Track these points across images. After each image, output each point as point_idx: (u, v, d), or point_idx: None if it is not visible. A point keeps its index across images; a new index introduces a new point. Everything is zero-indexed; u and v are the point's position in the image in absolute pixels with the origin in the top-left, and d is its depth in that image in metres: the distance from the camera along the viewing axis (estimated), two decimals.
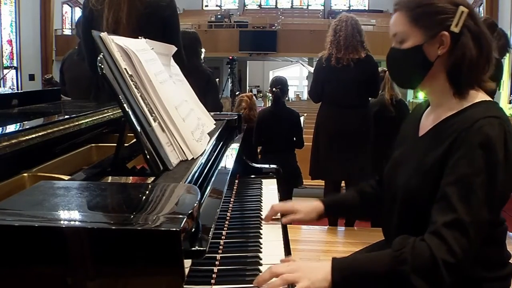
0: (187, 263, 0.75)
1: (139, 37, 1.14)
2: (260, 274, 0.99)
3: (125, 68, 0.96)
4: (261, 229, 1.28)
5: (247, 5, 19.71)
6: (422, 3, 1.10)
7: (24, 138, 0.96)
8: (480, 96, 1.10)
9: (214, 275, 0.99)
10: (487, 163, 0.98)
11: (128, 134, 1.11)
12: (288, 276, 0.97)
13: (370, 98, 3.27)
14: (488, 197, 0.98)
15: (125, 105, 0.93)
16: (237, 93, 9.11)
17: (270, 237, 1.23)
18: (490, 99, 1.11)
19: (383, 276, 1.00)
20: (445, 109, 1.12)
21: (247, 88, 17.76)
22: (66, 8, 14.91)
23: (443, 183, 1.01)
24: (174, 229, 0.64)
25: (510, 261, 1.15)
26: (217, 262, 1.04)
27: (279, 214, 1.34)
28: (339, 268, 1.01)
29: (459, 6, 1.07)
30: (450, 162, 1.02)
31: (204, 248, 0.76)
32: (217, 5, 19.47)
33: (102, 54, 0.93)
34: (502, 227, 1.12)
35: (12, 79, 12.49)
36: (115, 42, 0.97)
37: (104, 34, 0.95)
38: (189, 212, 0.69)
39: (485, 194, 0.98)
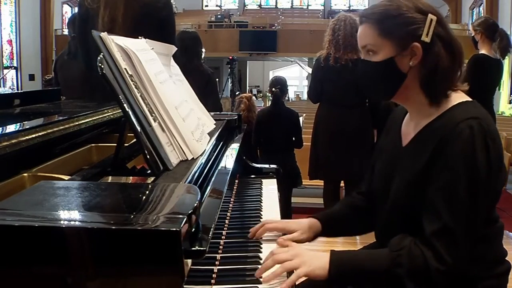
0: (187, 263, 0.75)
1: (139, 37, 1.14)
2: (263, 262, 1.02)
3: (125, 68, 0.96)
4: None
5: (247, 5, 19.71)
6: (390, 15, 1.07)
7: (24, 138, 0.96)
8: (457, 98, 1.09)
9: (214, 275, 0.99)
10: (468, 168, 0.98)
11: (128, 134, 1.11)
12: (289, 263, 1.00)
13: None
14: (473, 201, 0.98)
15: (125, 105, 0.93)
16: (237, 93, 9.11)
17: (270, 237, 1.22)
18: (468, 98, 1.10)
19: (378, 275, 1.02)
20: (424, 115, 1.10)
21: (247, 88, 17.75)
22: (66, 8, 14.91)
23: (429, 191, 1.02)
24: (174, 229, 0.64)
25: (506, 258, 1.15)
26: (217, 262, 1.04)
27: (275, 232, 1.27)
28: (337, 262, 1.03)
29: (427, 14, 1.05)
30: (434, 169, 1.02)
31: (204, 248, 0.76)
32: (217, 5, 19.47)
33: (102, 54, 0.93)
34: (496, 225, 1.12)
35: (12, 79, 12.49)
36: (115, 42, 0.97)
37: (104, 34, 0.95)
38: (189, 212, 0.69)
39: (470, 199, 0.98)
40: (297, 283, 1.01)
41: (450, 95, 1.09)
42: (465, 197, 0.97)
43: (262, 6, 19.63)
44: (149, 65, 1.03)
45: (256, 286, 0.97)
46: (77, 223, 0.65)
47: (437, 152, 1.02)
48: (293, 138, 3.55)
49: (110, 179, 1.03)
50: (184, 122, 1.06)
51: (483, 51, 3.35)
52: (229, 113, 2.41)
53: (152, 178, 0.93)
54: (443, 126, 1.04)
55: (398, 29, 1.07)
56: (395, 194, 1.13)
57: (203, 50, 3.34)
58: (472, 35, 3.47)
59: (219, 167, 1.24)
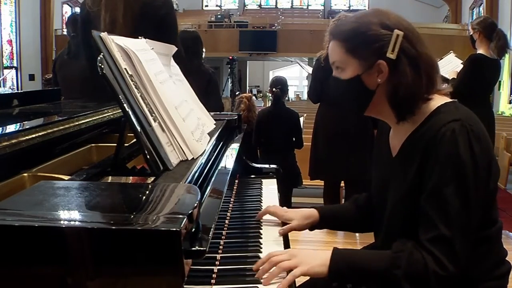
0: (187, 263, 0.75)
1: (139, 37, 1.14)
2: (259, 261, 1.02)
3: (125, 68, 0.96)
4: (261, 229, 1.28)
5: (247, 5, 19.71)
6: (356, 32, 1.07)
7: (24, 138, 0.96)
8: (435, 102, 1.08)
9: (214, 275, 0.99)
10: (455, 171, 0.97)
11: (128, 134, 1.11)
12: (285, 263, 1.00)
13: None
14: (464, 203, 0.97)
15: (125, 105, 0.93)
16: (237, 93, 9.11)
17: (270, 237, 1.23)
18: (448, 99, 1.09)
19: (376, 274, 1.01)
20: (406, 126, 1.10)
21: (247, 88, 17.76)
22: (66, 8, 14.92)
23: (421, 199, 1.01)
24: (174, 229, 0.64)
25: (506, 258, 1.15)
26: (217, 262, 1.04)
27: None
28: (338, 258, 1.03)
29: (393, 30, 1.03)
30: (423, 177, 1.02)
31: (204, 248, 0.76)
32: (217, 5, 19.48)
33: (102, 54, 0.93)
34: (496, 226, 1.11)
35: (12, 79, 12.50)
36: (115, 42, 0.97)
37: (104, 34, 0.95)
38: (189, 212, 0.69)
39: (461, 202, 0.97)
40: (297, 284, 1.01)
41: (430, 101, 1.07)
42: (456, 199, 0.97)
43: (262, 6, 19.64)
44: (149, 65, 1.03)
45: (256, 286, 0.97)
46: (77, 223, 0.65)
47: (423, 160, 1.02)
48: (293, 139, 3.55)
49: (110, 179, 1.03)
50: (184, 122, 1.06)
51: (480, 50, 3.35)
52: (229, 113, 2.41)
53: (152, 178, 0.93)
54: (426, 134, 1.03)
55: (362, 48, 1.06)
56: (391, 205, 1.13)
57: (204, 50, 3.33)
58: (471, 33, 3.46)
59: (219, 167, 1.24)
